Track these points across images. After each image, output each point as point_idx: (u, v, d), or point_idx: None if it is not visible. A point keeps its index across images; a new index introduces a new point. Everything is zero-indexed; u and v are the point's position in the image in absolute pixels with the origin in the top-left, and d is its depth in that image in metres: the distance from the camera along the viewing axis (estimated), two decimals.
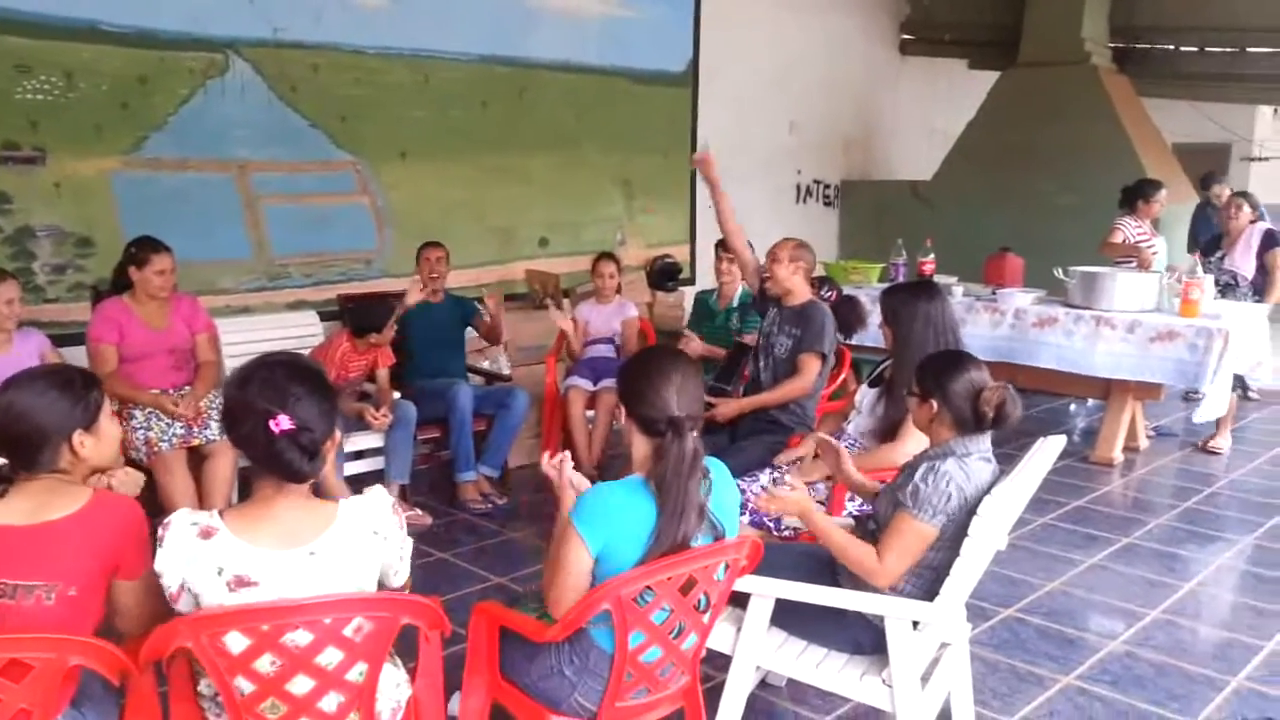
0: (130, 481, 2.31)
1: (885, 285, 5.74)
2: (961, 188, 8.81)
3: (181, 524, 1.83)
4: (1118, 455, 5.67)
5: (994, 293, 6.22)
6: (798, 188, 9.30)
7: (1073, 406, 7.15)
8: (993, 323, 5.97)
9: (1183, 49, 9.09)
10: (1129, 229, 6.44)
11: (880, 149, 10.09)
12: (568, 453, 2.40)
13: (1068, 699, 3.10)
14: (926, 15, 9.83)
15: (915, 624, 2.45)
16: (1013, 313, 5.90)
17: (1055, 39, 8.45)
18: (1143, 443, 6.08)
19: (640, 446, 2.19)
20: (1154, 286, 5.74)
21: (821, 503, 3.29)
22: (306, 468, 1.86)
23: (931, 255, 6.53)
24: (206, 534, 1.82)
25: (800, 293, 3.95)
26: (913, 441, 3.10)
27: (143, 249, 4.06)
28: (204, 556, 1.81)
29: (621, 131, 7.40)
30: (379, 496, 2.00)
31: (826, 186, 9.62)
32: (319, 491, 2.04)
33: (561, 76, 6.91)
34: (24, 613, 1.79)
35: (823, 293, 4.25)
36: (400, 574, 2.02)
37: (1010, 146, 8.51)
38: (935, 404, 2.52)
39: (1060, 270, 6.01)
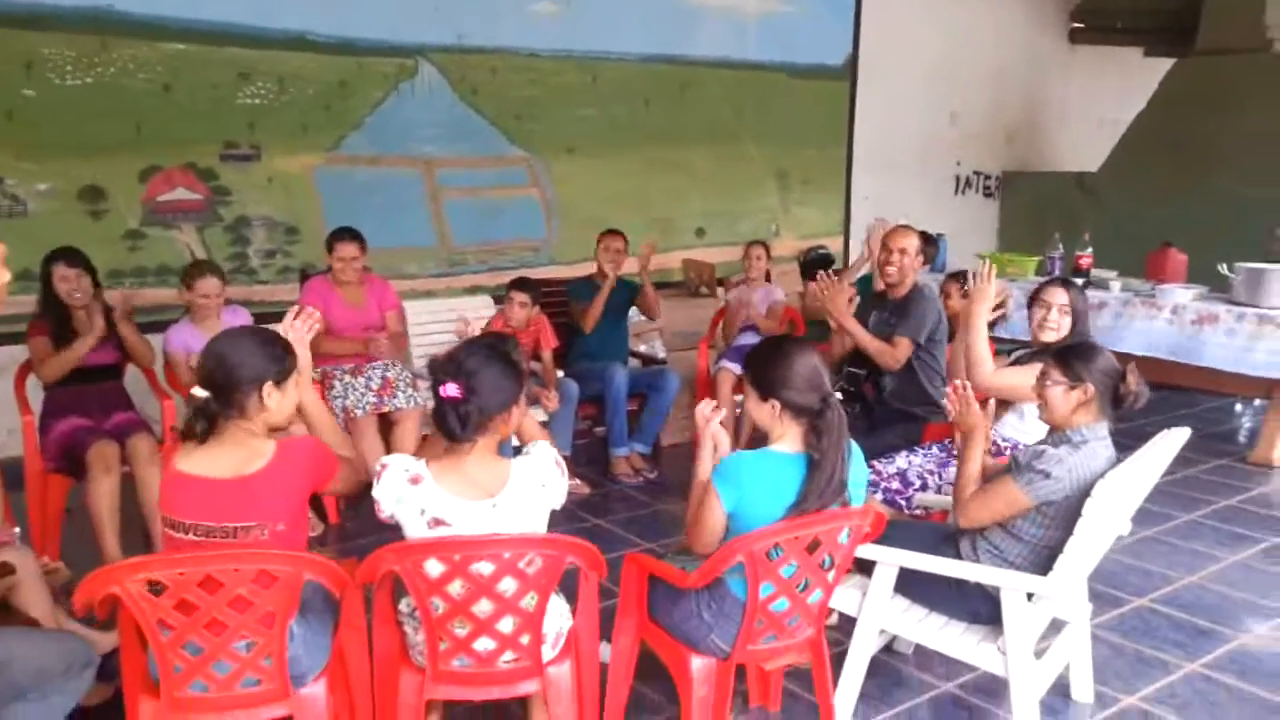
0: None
1: (1041, 279, 5.77)
2: (1128, 180, 8.60)
3: (397, 468, 2.24)
4: (1277, 457, 5.54)
5: (1153, 288, 6.14)
6: (957, 179, 9.29)
7: (1238, 407, 6.95)
8: (1149, 318, 5.91)
9: None
10: None
11: (1045, 140, 9.93)
12: (723, 409, 2.69)
13: (1190, 684, 3.19)
14: (1097, 2, 9.59)
15: (1030, 597, 2.64)
16: (1171, 309, 5.83)
17: (1236, 26, 8.13)
18: None
19: (790, 426, 2.44)
20: None
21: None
22: (459, 432, 2.21)
23: (1090, 249, 6.48)
24: (415, 480, 2.23)
25: (909, 283, 4.14)
26: (1025, 374, 3.24)
27: (332, 237, 4.61)
28: (411, 498, 2.22)
29: (778, 125, 7.63)
30: (543, 452, 2.35)
31: (987, 178, 9.56)
32: (522, 437, 2.47)
33: (721, 73, 7.20)
34: (250, 547, 2.19)
35: (965, 286, 4.39)
36: (558, 503, 2.37)
37: (1182, 138, 8.25)
38: (1092, 388, 2.66)
39: (1225, 266, 5.89)
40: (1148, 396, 2.69)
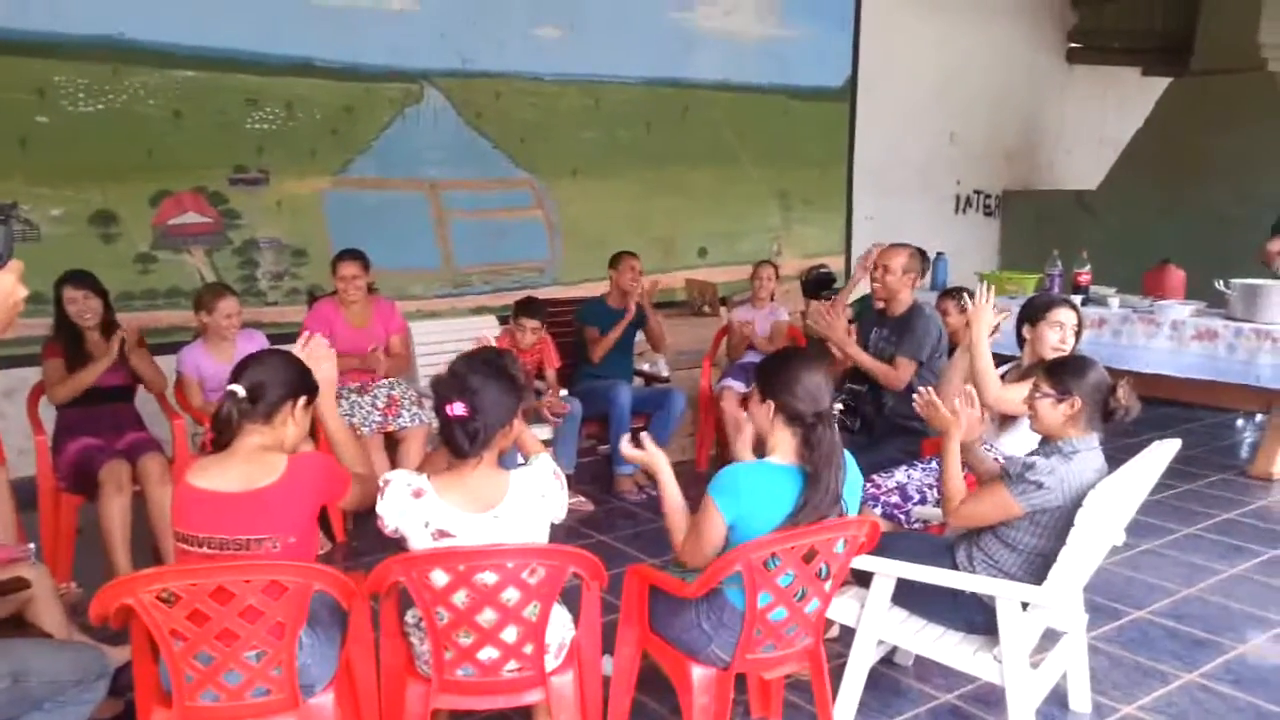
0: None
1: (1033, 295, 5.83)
2: (1127, 198, 8.68)
3: (400, 483, 2.31)
4: (1277, 471, 5.58)
5: (1152, 305, 6.20)
6: (957, 198, 9.37)
7: (1240, 422, 6.99)
8: (1148, 335, 5.97)
9: None
10: None
11: (1044, 158, 10.02)
12: (644, 434, 2.74)
13: (1187, 694, 3.23)
14: (1094, 23, 9.70)
15: (1025, 606, 2.69)
16: (1169, 324, 5.88)
17: (1230, 46, 8.23)
18: None
19: (783, 434, 2.51)
20: None
21: None
22: (468, 449, 2.29)
23: (1088, 266, 6.55)
24: (418, 494, 2.29)
25: (905, 300, 4.20)
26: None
27: (336, 258, 4.70)
28: (414, 511, 2.28)
29: (779, 146, 7.72)
30: (543, 465, 2.42)
31: (987, 197, 9.64)
32: (524, 450, 2.54)
33: (721, 95, 7.30)
34: (261, 558, 2.25)
35: (961, 302, 4.45)
36: (559, 517, 2.43)
37: (1180, 156, 8.33)
38: (1079, 401, 2.73)
39: (1221, 282, 5.95)
40: (1138, 410, 2.74)
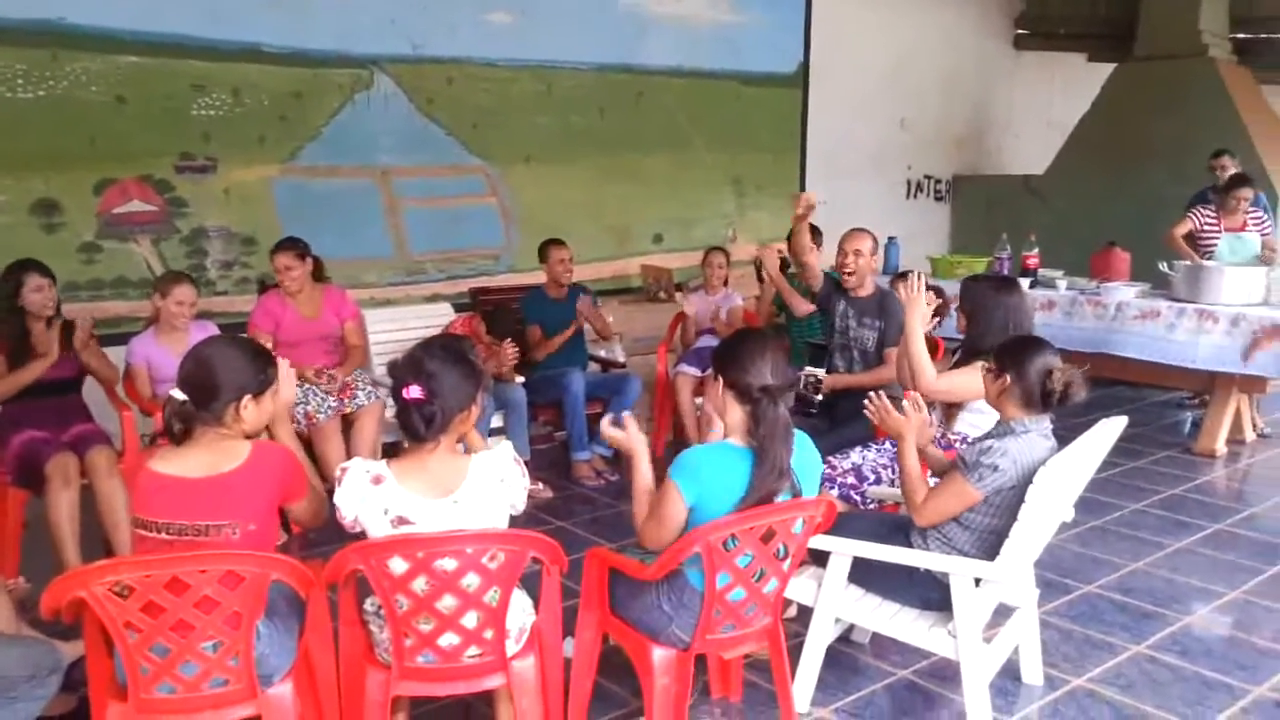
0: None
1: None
2: (1074, 182, 8.83)
3: (358, 470, 2.29)
4: (1220, 447, 5.72)
5: (1098, 286, 6.32)
6: (909, 183, 9.46)
7: (1183, 400, 7.15)
8: (1096, 315, 6.08)
9: None
10: (1200, 219, 6.49)
11: (993, 143, 10.15)
12: (625, 414, 2.74)
13: (1136, 665, 3.31)
14: (1041, 10, 9.84)
15: (978, 582, 2.74)
16: (1115, 306, 6.00)
17: (1171, 32, 8.41)
18: (1249, 436, 6.08)
19: (734, 413, 2.53)
20: (1260, 281, 5.75)
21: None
22: (423, 432, 2.27)
23: (1036, 249, 6.65)
24: (377, 480, 2.27)
25: (871, 283, 4.25)
26: (965, 376, 3.36)
27: (271, 250, 4.64)
28: (374, 498, 2.26)
29: (733, 132, 7.74)
30: (503, 450, 2.42)
31: (938, 182, 9.75)
32: (470, 449, 2.48)
33: (675, 81, 7.29)
34: (218, 546, 2.22)
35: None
36: (519, 505, 2.42)
37: (1124, 140, 8.49)
38: (1009, 379, 2.79)
39: (1165, 264, 6.08)
40: (1082, 396, 2.77)
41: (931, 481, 3.51)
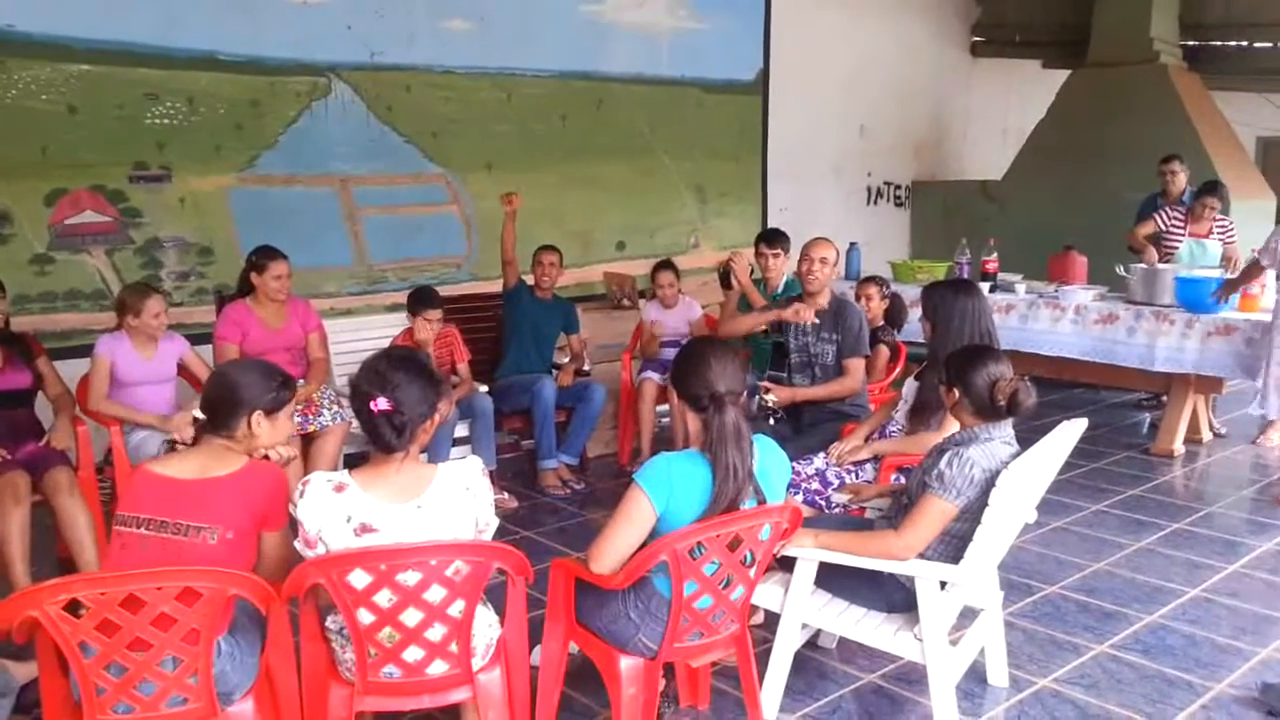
0: (285, 455, 2.70)
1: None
2: (1031, 187, 8.95)
3: (319, 480, 2.26)
4: (1178, 447, 5.81)
5: (1056, 290, 6.39)
6: (869, 190, 9.53)
7: (1141, 401, 7.24)
8: (1054, 319, 6.15)
9: (1257, 45, 9.06)
10: (1166, 220, 6.60)
11: (952, 149, 10.26)
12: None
13: (1099, 665, 3.34)
14: (996, 17, 9.97)
15: (943, 585, 2.75)
16: (1074, 309, 6.07)
17: (1123, 39, 8.55)
18: (1205, 436, 6.17)
19: (692, 423, 2.54)
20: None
21: (869, 481, 3.61)
22: (395, 442, 2.29)
23: (995, 254, 6.72)
24: (339, 488, 2.25)
25: (828, 292, 4.27)
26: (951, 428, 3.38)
27: (262, 256, 4.53)
28: (336, 506, 2.23)
29: (694, 139, 7.76)
30: (471, 461, 2.40)
31: (898, 188, 9.83)
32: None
33: (635, 88, 7.30)
34: (195, 549, 2.21)
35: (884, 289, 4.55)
36: (488, 528, 2.40)
37: (1079, 146, 8.62)
38: (957, 392, 2.82)
39: (1121, 267, 6.17)
40: (1031, 401, 2.77)
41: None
